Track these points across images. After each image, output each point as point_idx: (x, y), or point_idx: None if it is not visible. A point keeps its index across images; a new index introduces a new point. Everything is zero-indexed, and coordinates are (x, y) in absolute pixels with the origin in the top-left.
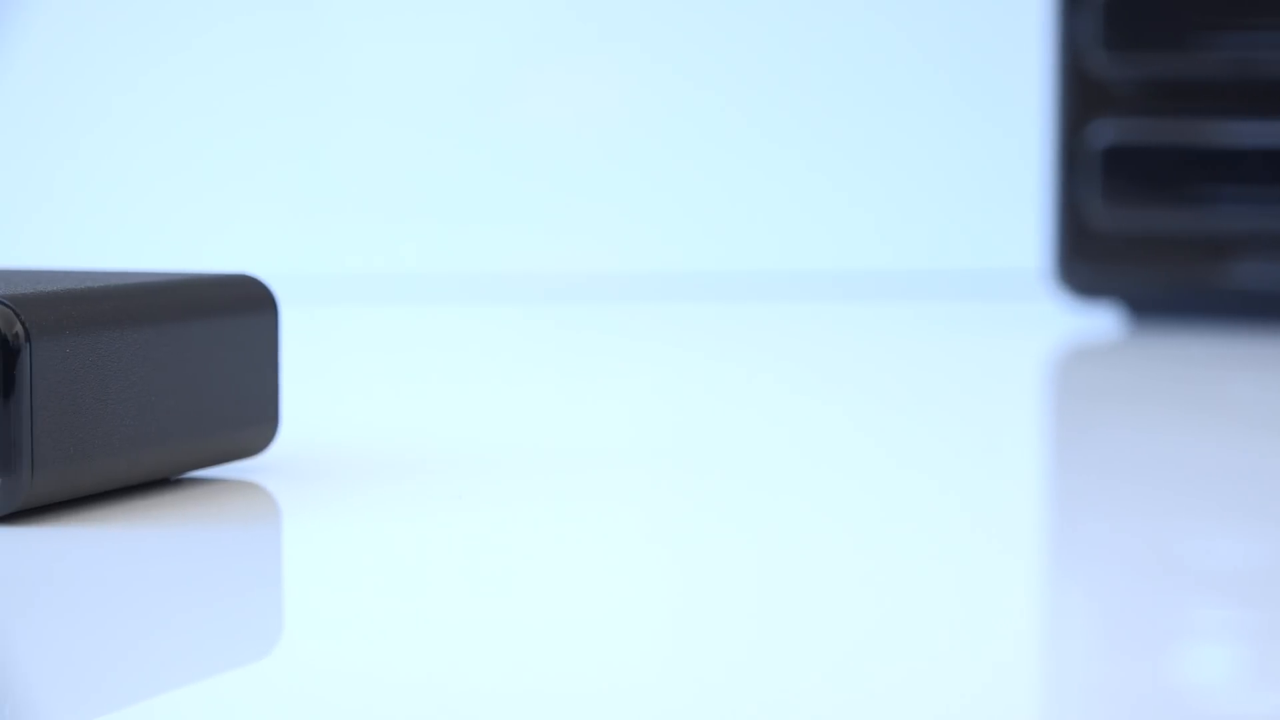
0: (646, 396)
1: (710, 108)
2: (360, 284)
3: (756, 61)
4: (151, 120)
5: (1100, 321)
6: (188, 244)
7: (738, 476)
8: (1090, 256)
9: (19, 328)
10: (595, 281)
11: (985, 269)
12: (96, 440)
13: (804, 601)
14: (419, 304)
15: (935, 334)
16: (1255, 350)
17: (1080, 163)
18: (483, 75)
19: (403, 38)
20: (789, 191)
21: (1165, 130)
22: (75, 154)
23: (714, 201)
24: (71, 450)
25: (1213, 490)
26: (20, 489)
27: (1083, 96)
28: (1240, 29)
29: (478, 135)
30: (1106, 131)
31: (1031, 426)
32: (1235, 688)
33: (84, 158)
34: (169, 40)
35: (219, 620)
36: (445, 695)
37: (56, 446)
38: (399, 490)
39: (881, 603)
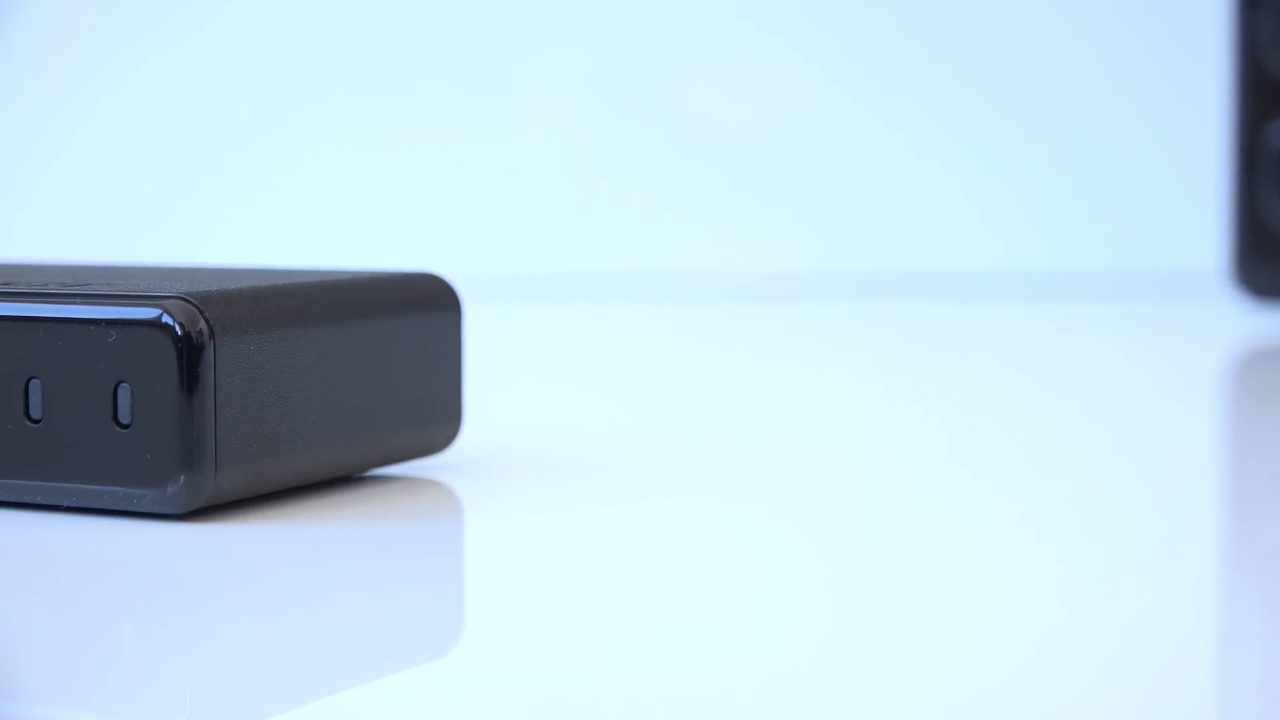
0: (822, 396)
1: (881, 106)
2: (541, 283)
3: (932, 60)
4: (331, 122)
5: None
6: (370, 243)
7: (913, 477)
8: (1269, 257)
9: (203, 325)
10: (770, 281)
11: (1163, 270)
12: (280, 438)
13: (980, 606)
14: (600, 303)
15: (1112, 335)
16: None
17: (1259, 162)
18: (655, 74)
19: (578, 35)
20: (963, 191)
21: None
22: (248, 148)
23: (887, 200)
24: (255, 447)
25: None
26: (204, 486)
27: (1261, 96)
28: None
29: (654, 133)
30: None
31: (1209, 429)
32: None
33: (263, 156)
34: (357, 41)
35: (400, 618)
36: (625, 695)
37: (240, 444)
38: (581, 488)
39: (1058, 607)
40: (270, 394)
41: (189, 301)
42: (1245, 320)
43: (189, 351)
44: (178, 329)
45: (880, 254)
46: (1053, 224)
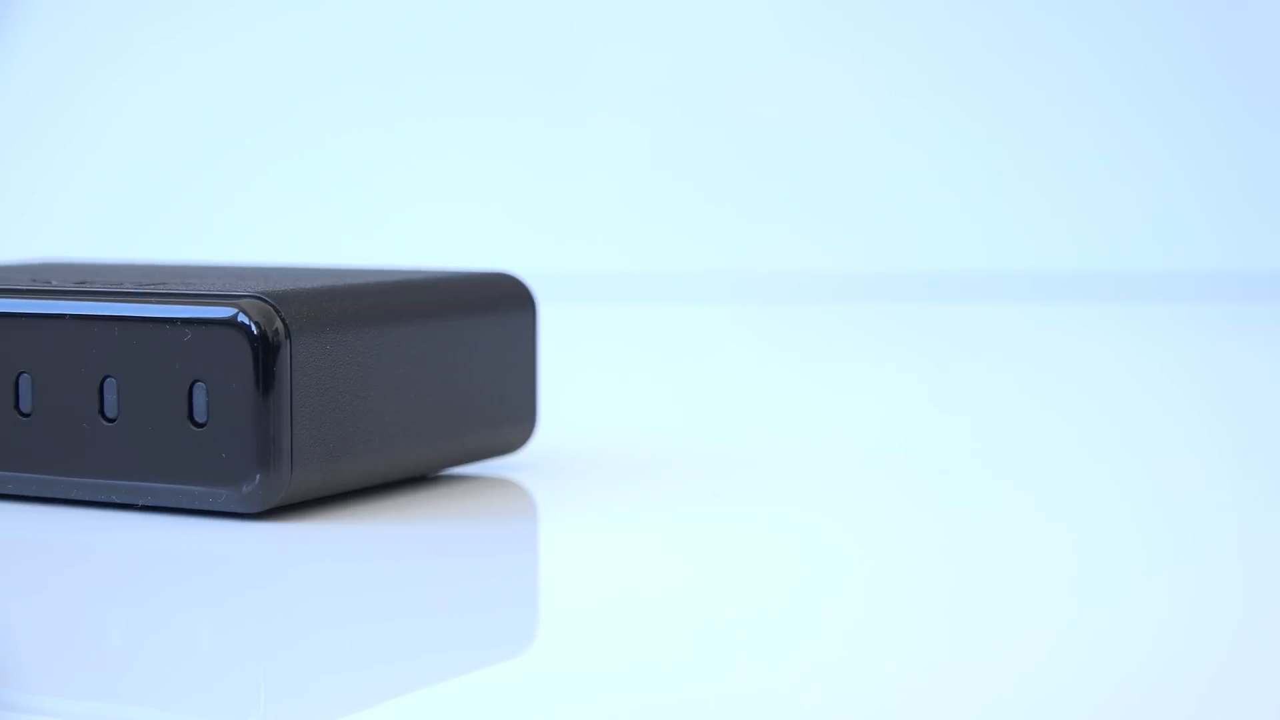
0: (891, 397)
1: (946, 108)
2: (616, 282)
3: (1001, 61)
4: (404, 122)
5: None
6: (445, 243)
7: (980, 479)
8: None
9: (279, 324)
10: (840, 281)
11: (1243, 271)
12: (355, 437)
13: (1056, 609)
14: (673, 302)
15: (1183, 338)
16: None
17: None
18: (726, 74)
19: (651, 34)
20: (1035, 191)
21: None
22: (317, 145)
23: (954, 201)
24: (330, 447)
25: None
26: (280, 485)
27: None
28: None
29: (726, 133)
30: None
31: None
32: None
33: (336, 154)
34: (433, 44)
35: (473, 618)
36: (699, 695)
37: (315, 443)
38: (655, 488)
39: (1120, 612)
40: (345, 393)
41: (265, 300)
42: None
43: (265, 351)
44: (254, 328)
45: (948, 254)
46: (1125, 223)
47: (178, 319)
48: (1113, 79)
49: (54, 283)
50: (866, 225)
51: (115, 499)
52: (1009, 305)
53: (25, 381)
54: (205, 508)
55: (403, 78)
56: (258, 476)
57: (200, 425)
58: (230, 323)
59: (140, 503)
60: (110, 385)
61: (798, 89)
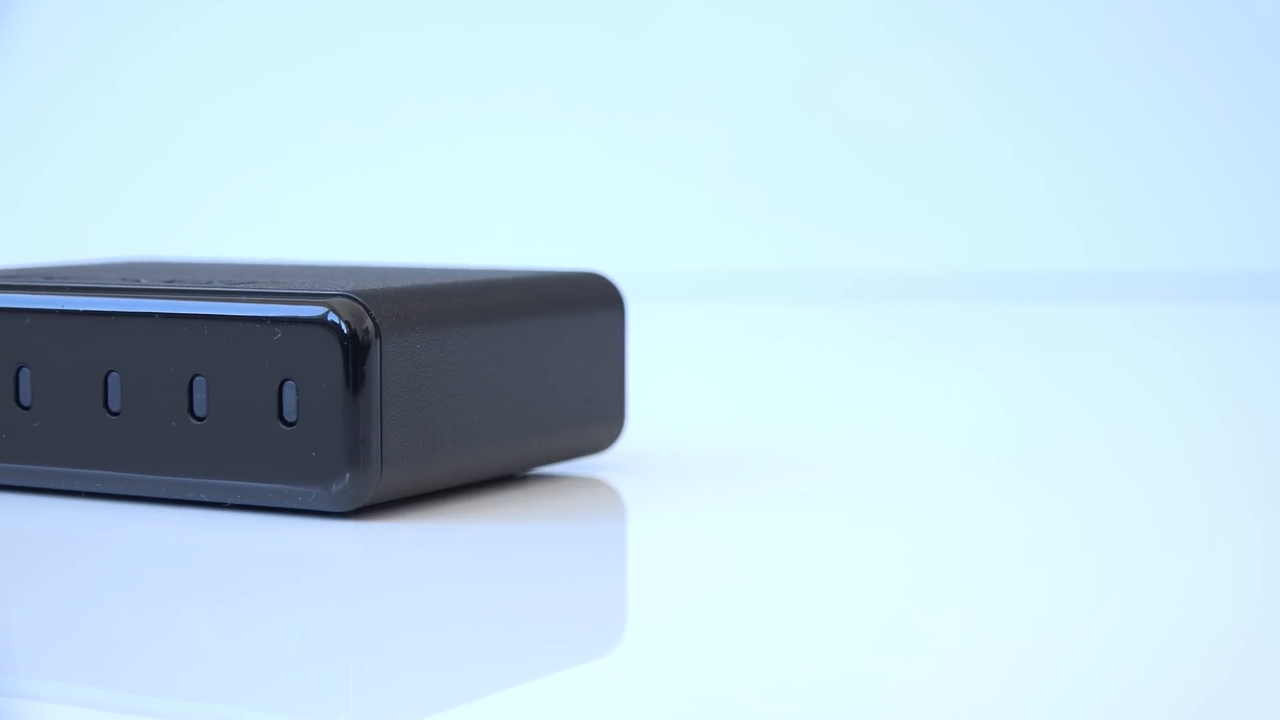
0: (979, 396)
1: (1040, 105)
2: (704, 281)
3: (1100, 58)
4: (495, 128)
5: None
6: (535, 242)
7: (1071, 479)
8: None
9: (369, 323)
10: (927, 280)
11: None
12: (444, 436)
13: (1158, 610)
14: (762, 302)
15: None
16: None
17: None
18: (811, 72)
19: (737, 32)
20: (1137, 190)
21: None
22: (409, 144)
23: (1049, 199)
24: (419, 446)
25: None
26: (369, 484)
27: None
28: None
29: (814, 132)
30: None
31: None
32: None
33: (425, 152)
34: (520, 47)
35: (562, 617)
36: (786, 699)
37: (405, 442)
38: (744, 488)
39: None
40: (435, 392)
41: (355, 300)
42: None
43: (355, 350)
44: (344, 327)
45: (1040, 253)
46: (1229, 223)
47: (268, 318)
48: (1214, 76)
49: (143, 281)
50: (958, 224)
51: (203, 498)
52: (1092, 305)
53: (114, 380)
54: (294, 507)
55: (491, 81)
56: (347, 475)
57: (290, 424)
58: (320, 322)
59: (229, 501)
60: (199, 384)
61: (888, 86)
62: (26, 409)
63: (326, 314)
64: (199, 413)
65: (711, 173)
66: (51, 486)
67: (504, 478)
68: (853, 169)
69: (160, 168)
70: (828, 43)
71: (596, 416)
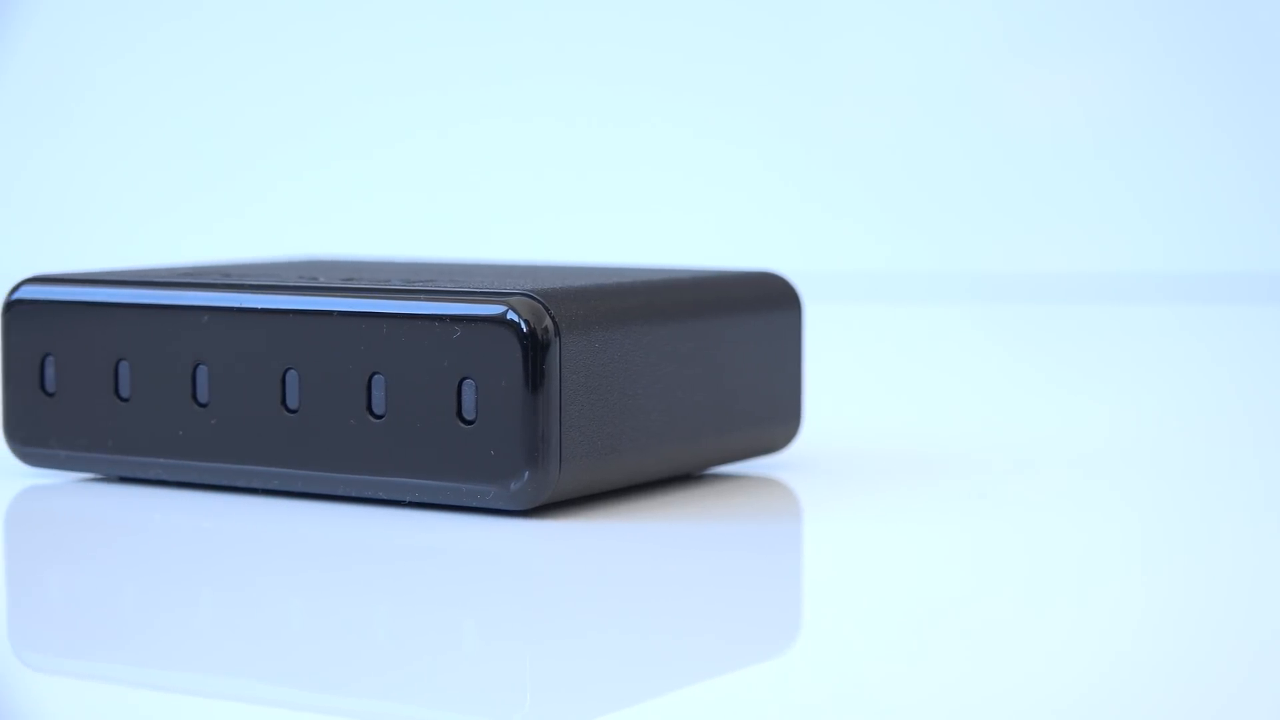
0: (1148, 398)
1: (1201, 103)
2: (880, 282)
3: (1265, 55)
4: (671, 127)
5: None
6: (705, 241)
7: (1241, 480)
8: None
9: (548, 322)
10: (1091, 281)
11: None
12: (622, 435)
13: None
14: (937, 302)
15: None
16: None
17: None
18: (983, 73)
19: (897, 31)
20: None
21: None
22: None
23: (1206, 199)
24: (598, 444)
25: None
26: (548, 483)
27: None
28: None
29: (983, 134)
30: None
31: None
32: None
33: (605, 154)
34: (695, 48)
35: (737, 617)
36: (960, 701)
37: (584, 441)
38: (920, 488)
39: None
40: (613, 391)
41: (534, 298)
42: None
43: (535, 348)
44: (524, 325)
45: (1212, 253)
46: None
47: (447, 316)
48: None
49: (321, 279)
50: (1125, 225)
51: (382, 495)
52: (1268, 306)
53: (292, 378)
54: (472, 505)
55: (671, 81)
56: (526, 474)
57: (469, 422)
58: (500, 320)
59: (407, 499)
60: (378, 382)
61: (1052, 87)
62: (204, 406)
63: (506, 312)
64: (377, 411)
65: (882, 173)
66: (228, 484)
67: (680, 477)
68: (1023, 169)
69: (316, 161)
70: (1001, 40)
71: (773, 416)
